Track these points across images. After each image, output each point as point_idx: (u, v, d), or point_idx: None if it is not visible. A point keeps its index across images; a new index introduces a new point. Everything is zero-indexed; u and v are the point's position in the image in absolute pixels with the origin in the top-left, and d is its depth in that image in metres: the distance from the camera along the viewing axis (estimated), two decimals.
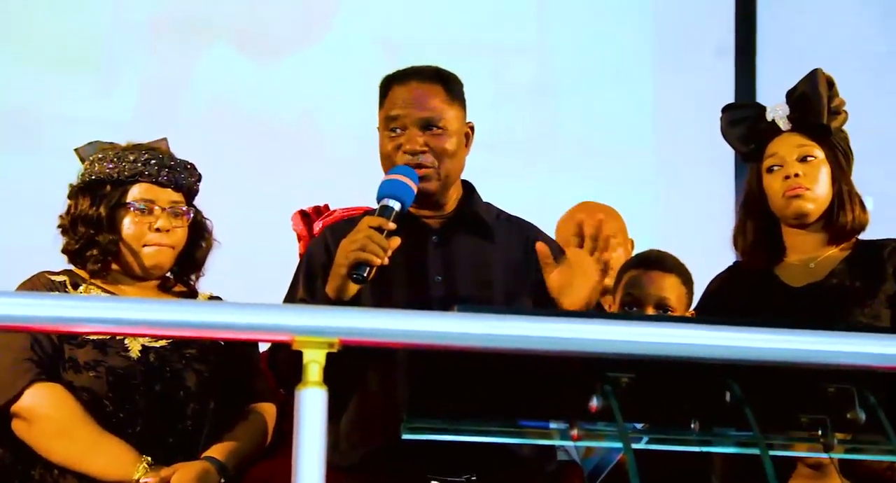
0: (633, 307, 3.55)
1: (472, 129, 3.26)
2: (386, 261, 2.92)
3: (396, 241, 2.95)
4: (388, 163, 3.20)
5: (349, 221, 3.34)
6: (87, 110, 5.27)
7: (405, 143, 3.16)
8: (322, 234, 3.32)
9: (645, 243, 4.05)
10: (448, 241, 3.20)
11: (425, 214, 3.20)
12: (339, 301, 2.96)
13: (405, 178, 3.06)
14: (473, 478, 3.00)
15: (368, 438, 3.04)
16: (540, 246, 3.01)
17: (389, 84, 3.26)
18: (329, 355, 1.84)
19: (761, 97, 5.67)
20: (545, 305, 3.03)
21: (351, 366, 2.89)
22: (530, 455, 3.09)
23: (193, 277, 3.44)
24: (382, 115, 3.23)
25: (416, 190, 3.07)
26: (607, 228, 2.99)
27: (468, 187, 3.31)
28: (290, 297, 3.18)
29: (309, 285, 3.16)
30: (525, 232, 3.30)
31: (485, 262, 3.20)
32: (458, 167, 3.24)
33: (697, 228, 5.19)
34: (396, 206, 3.01)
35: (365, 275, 2.91)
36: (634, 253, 4.06)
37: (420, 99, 3.19)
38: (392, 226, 2.95)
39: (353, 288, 2.97)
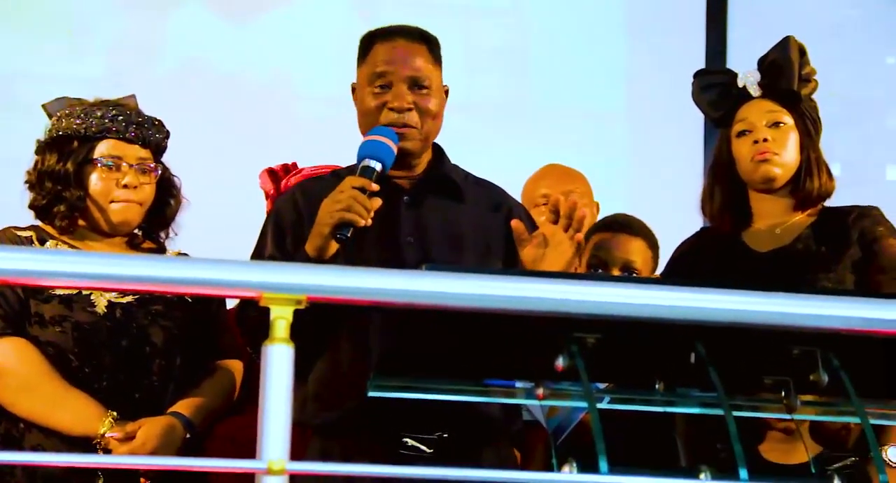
0: (599, 269, 3.57)
1: (446, 92, 3.26)
2: (369, 221, 2.93)
3: (378, 202, 2.95)
4: (370, 119, 3.18)
5: (318, 180, 3.34)
6: (58, 69, 5.26)
7: (392, 100, 3.14)
8: (290, 192, 3.30)
9: (614, 207, 4.06)
10: (419, 202, 3.20)
11: (397, 175, 3.19)
12: (318, 259, 2.96)
13: (385, 139, 3.06)
14: (445, 435, 3.02)
15: (341, 397, 3.04)
16: (515, 223, 3.02)
17: (372, 40, 3.24)
18: (297, 313, 1.83)
19: (732, 62, 5.68)
20: (515, 267, 3.04)
21: (321, 324, 2.91)
22: (498, 414, 3.11)
23: (162, 234, 3.43)
24: (366, 72, 3.20)
25: (396, 151, 3.07)
26: (581, 205, 3.01)
27: (437, 149, 3.31)
28: (258, 254, 3.17)
29: (278, 242, 3.15)
30: (494, 194, 3.31)
31: (456, 223, 3.20)
32: (437, 128, 3.24)
33: (667, 192, 5.20)
34: (377, 166, 3.02)
35: (348, 235, 2.91)
36: (600, 216, 4.06)
37: (407, 57, 3.18)
38: (375, 187, 2.96)
39: (333, 247, 2.97)
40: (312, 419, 3.09)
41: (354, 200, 2.91)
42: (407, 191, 3.18)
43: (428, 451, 3.01)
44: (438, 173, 3.26)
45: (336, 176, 3.27)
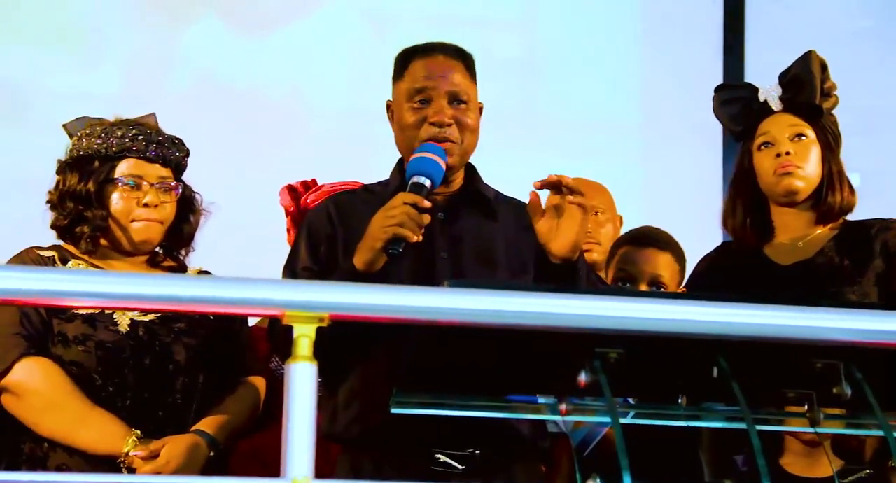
0: (626, 283, 3.57)
1: (481, 109, 3.27)
2: (420, 237, 2.94)
3: (428, 218, 2.96)
4: (409, 134, 3.18)
5: (350, 194, 3.34)
6: (75, 85, 5.27)
7: (432, 115, 3.14)
8: (324, 205, 3.29)
9: (632, 220, 4.06)
10: (453, 218, 3.20)
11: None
12: (366, 273, 2.96)
13: (435, 156, 3.06)
14: (477, 451, 3.02)
15: (372, 412, 3.04)
16: (532, 195, 3.02)
17: (410, 57, 3.24)
18: (321, 329, 1.84)
19: (750, 73, 5.68)
20: (544, 282, 3.04)
21: (352, 338, 2.90)
22: (528, 431, 3.11)
23: (183, 252, 3.44)
24: (404, 87, 3.20)
25: (445, 168, 3.08)
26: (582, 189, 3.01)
27: (470, 167, 3.31)
28: (291, 267, 3.16)
29: (313, 254, 3.15)
30: (524, 213, 3.31)
31: (489, 240, 3.20)
32: (475, 144, 3.24)
33: (684, 206, 5.20)
34: (427, 183, 3.02)
35: (400, 250, 2.92)
36: (623, 230, 4.06)
37: (446, 72, 3.19)
38: (427, 204, 2.95)
39: (382, 261, 2.97)
40: (343, 433, 3.09)
41: (408, 216, 2.91)
42: (442, 206, 3.17)
43: (460, 467, 3.01)
44: (473, 190, 3.27)
45: (367, 191, 3.29)
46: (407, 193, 2.98)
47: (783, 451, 3.30)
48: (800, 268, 3.38)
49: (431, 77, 3.18)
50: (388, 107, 3.29)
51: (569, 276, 3.01)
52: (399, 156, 3.28)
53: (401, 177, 3.20)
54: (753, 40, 5.85)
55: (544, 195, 3.03)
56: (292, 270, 3.15)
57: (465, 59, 3.25)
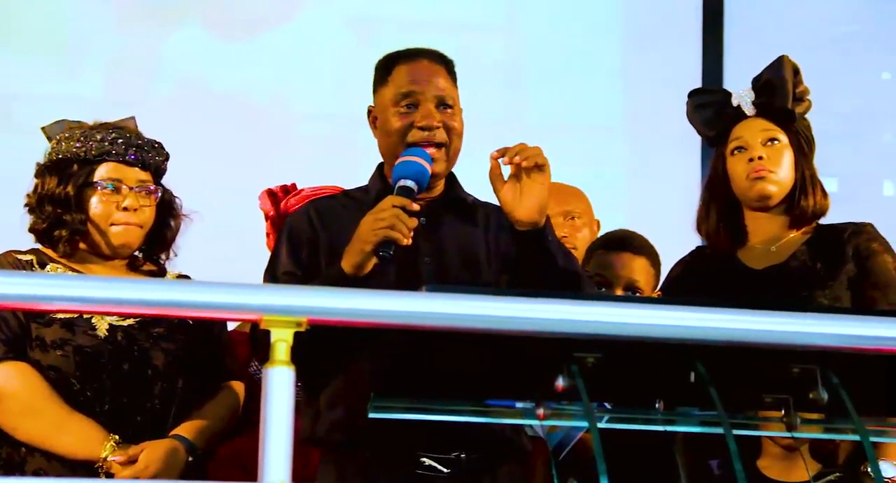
0: (602, 288, 3.57)
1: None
2: (409, 241, 2.94)
3: (415, 222, 2.95)
4: (395, 140, 3.17)
5: (331, 198, 3.34)
6: (57, 90, 5.27)
7: (420, 120, 3.14)
8: (304, 209, 3.28)
9: (612, 223, 4.06)
10: (436, 223, 3.20)
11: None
12: (354, 277, 2.95)
13: (421, 160, 3.06)
14: (462, 455, 3.02)
15: (355, 415, 3.03)
16: (492, 163, 3.02)
17: (394, 62, 3.24)
18: (299, 334, 1.84)
19: (728, 78, 5.70)
20: (523, 285, 3.05)
21: (335, 341, 2.89)
22: (511, 435, 3.11)
23: (163, 256, 3.44)
24: (389, 93, 3.20)
25: (430, 171, 3.08)
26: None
27: (450, 173, 3.32)
28: (272, 271, 3.16)
29: (295, 258, 3.14)
30: (503, 216, 3.32)
31: (471, 244, 3.21)
32: (460, 148, 3.24)
33: (665, 209, 5.21)
34: (414, 186, 3.02)
35: (391, 252, 2.91)
36: (601, 233, 4.07)
37: (432, 77, 3.19)
38: (416, 207, 2.95)
39: (370, 264, 2.96)
40: (326, 437, 3.08)
41: (398, 219, 2.91)
42: (424, 212, 3.16)
43: (445, 470, 3.01)
44: (454, 195, 3.28)
45: (347, 196, 3.28)
46: (395, 197, 2.98)
47: (760, 453, 3.31)
48: (773, 272, 3.39)
49: (417, 82, 3.18)
50: (370, 112, 3.28)
51: (537, 244, 3.02)
52: (378, 161, 3.28)
53: (382, 182, 3.21)
54: (734, 46, 5.86)
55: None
56: (273, 275, 3.14)
57: (447, 64, 3.26)
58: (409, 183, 3.02)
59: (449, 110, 3.19)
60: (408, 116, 3.16)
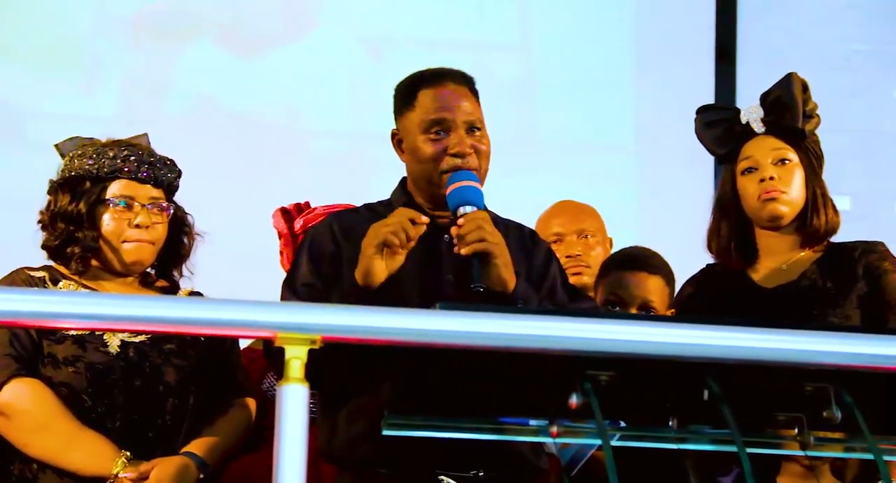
0: (616, 307, 3.56)
1: None
2: (405, 248, 2.93)
3: (421, 230, 2.95)
4: (428, 167, 3.13)
5: (353, 212, 3.32)
6: (69, 107, 5.27)
7: (453, 147, 3.10)
8: (327, 222, 3.26)
9: (625, 242, 4.06)
10: None
11: (439, 214, 3.16)
12: (366, 287, 2.95)
13: (473, 184, 3.06)
14: (480, 473, 3.01)
15: (374, 432, 3.02)
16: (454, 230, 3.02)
17: (418, 86, 3.20)
18: (312, 351, 1.85)
19: (741, 96, 5.70)
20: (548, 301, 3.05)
21: (349, 360, 2.89)
22: (529, 453, 3.10)
23: (176, 273, 3.44)
24: (417, 119, 3.15)
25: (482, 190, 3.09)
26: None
27: None
28: (291, 282, 3.13)
29: (315, 270, 3.12)
30: (525, 235, 3.31)
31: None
32: (488, 169, 3.22)
33: (677, 227, 5.20)
34: (473, 210, 3.02)
35: (482, 288, 2.91)
36: (613, 251, 4.07)
37: (460, 101, 3.15)
38: (425, 219, 2.96)
39: (381, 272, 2.94)
40: (343, 454, 3.06)
41: (401, 225, 2.92)
42: (448, 230, 3.15)
43: None
44: None
45: (369, 209, 3.27)
46: (406, 208, 3.00)
47: (780, 470, 3.29)
48: (783, 290, 3.38)
49: (447, 108, 3.14)
50: (394, 135, 3.24)
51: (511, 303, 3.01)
52: (401, 176, 3.26)
53: (405, 197, 3.20)
54: (746, 65, 5.86)
55: None
56: (292, 286, 3.12)
57: (469, 84, 3.23)
58: (469, 209, 3.01)
59: (477, 133, 3.16)
60: (439, 143, 3.12)
